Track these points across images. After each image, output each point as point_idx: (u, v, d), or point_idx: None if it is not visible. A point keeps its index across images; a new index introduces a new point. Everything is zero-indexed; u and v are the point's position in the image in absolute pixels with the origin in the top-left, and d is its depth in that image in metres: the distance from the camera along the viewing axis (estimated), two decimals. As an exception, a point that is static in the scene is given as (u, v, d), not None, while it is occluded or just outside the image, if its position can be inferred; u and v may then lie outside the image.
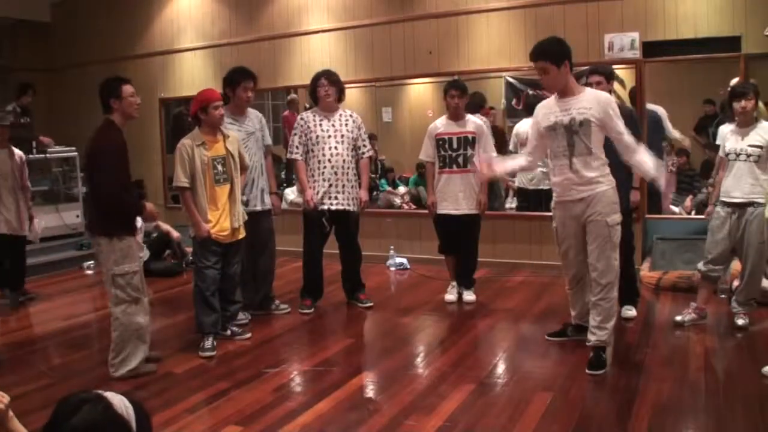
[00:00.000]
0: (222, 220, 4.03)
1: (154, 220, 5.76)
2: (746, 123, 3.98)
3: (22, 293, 5.69)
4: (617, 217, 3.47)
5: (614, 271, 3.47)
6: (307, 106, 7.08)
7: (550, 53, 3.35)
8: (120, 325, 3.60)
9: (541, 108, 3.58)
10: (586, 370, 3.44)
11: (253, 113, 4.70)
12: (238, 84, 4.49)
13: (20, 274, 5.68)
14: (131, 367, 3.62)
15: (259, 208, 4.61)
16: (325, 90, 4.70)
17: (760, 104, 4.28)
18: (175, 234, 6.49)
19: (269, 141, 4.79)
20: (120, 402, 1.34)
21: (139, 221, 6.31)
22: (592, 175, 3.41)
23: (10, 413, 1.50)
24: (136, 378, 3.59)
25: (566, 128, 3.40)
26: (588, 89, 3.51)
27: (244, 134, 4.54)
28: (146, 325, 3.69)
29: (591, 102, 3.38)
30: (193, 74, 7.70)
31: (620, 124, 3.38)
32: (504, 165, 3.94)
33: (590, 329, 3.54)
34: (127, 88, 3.65)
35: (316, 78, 4.76)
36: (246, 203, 4.47)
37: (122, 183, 3.63)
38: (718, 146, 4.24)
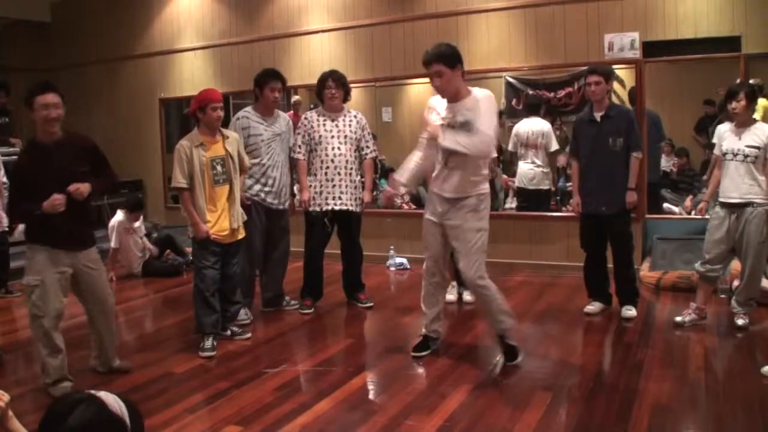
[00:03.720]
0: (221, 220, 4.03)
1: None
2: (743, 123, 3.98)
3: (6, 289, 5.81)
4: (481, 224, 3.56)
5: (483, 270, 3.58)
6: (312, 106, 7.11)
7: (444, 56, 3.40)
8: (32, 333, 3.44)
9: (437, 104, 3.59)
10: (507, 363, 3.61)
11: (282, 115, 4.78)
12: (265, 84, 4.57)
13: (4, 269, 5.80)
14: (44, 381, 3.40)
15: (275, 206, 4.67)
16: (331, 92, 4.70)
17: (763, 101, 4.29)
18: (154, 252, 6.49)
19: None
20: (114, 401, 1.34)
21: (137, 221, 6.38)
22: (468, 177, 3.51)
23: (10, 413, 1.50)
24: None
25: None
26: (475, 91, 3.51)
27: (271, 134, 4.62)
28: (46, 348, 3.35)
29: (473, 103, 3.44)
30: (193, 74, 7.70)
31: (484, 120, 3.39)
32: (405, 173, 3.78)
33: (495, 322, 3.67)
34: (40, 99, 3.25)
35: (323, 79, 4.76)
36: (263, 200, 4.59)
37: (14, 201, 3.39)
38: (713, 145, 4.25)
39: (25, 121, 7.70)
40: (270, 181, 4.61)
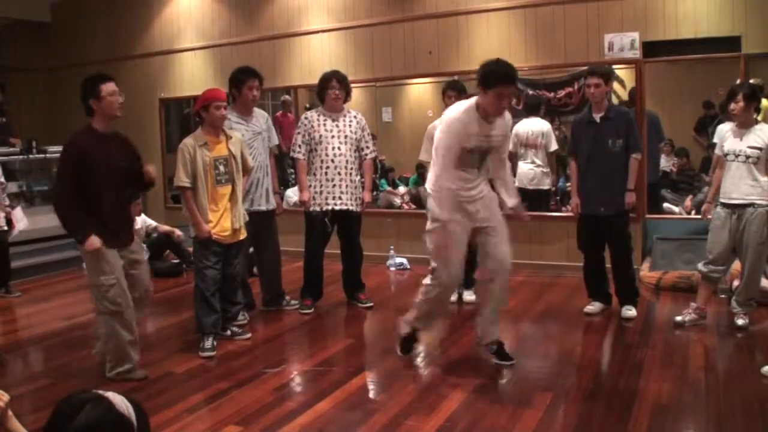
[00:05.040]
0: (223, 220, 4.03)
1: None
2: (744, 124, 3.97)
3: (9, 292, 5.82)
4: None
5: None
6: (308, 106, 7.11)
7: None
8: (104, 330, 3.55)
9: (463, 123, 3.39)
10: (500, 362, 3.60)
11: (259, 113, 4.73)
12: (242, 83, 4.51)
13: (5, 271, 5.83)
14: (119, 370, 3.55)
15: (263, 207, 4.64)
16: (335, 93, 4.69)
17: (765, 102, 4.28)
18: (177, 233, 6.50)
19: (276, 141, 4.83)
20: (121, 401, 1.34)
21: (138, 222, 6.38)
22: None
23: (9, 412, 1.50)
24: (126, 382, 3.50)
25: (481, 152, 3.48)
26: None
27: (251, 134, 4.57)
28: (128, 338, 3.53)
29: (501, 127, 3.49)
30: (193, 74, 7.70)
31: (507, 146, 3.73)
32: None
33: (492, 327, 3.63)
34: (108, 86, 3.41)
35: (326, 79, 4.74)
36: (251, 202, 4.54)
37: (68, 192, 3.36)
38: (715, 144, 4.25)
39: (25, 122, 7.71)
40: (254, 183, 4.57)
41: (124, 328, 3.52)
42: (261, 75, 4.63)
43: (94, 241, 3.38)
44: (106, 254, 3.45)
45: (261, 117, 4.71)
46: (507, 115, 3.55)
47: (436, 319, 3.87)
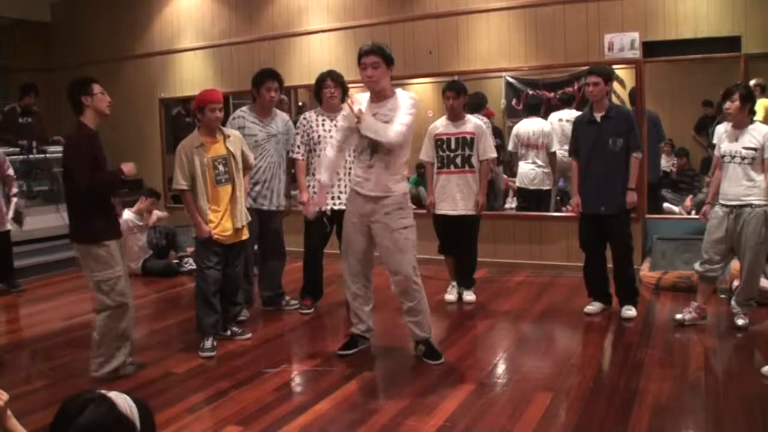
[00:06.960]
0: (224, 220, 4.03)
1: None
2: (739, 124, 3.97)
3: (14, 286, 5.87)
4: (408, 222, 3.64)
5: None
6: (300, 104, 7.11)
7: (384, 51, 3.52)
8: (103, 328, 3.55)
9: (363, 100, 3.63)
10: (430, 362, 3.64)
11: (280, 116, 4.78)
12: (261, 84, 4.58)
13: (8, 268, 5.88)
14: (111, 368, 3.56)
15: (265, 207, 4.66)
16: (330, 92, 4.70)
17: (764, 101, 4.27)
18: (153, 218, 6.62)
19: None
20: (124, 402, 1.35)
21: (153, 213, 6.42)
22: (390, 176, 3.58)
23: (9, 412, 1.50)
24: (118, 379, 3.53)
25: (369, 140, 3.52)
26: (399, 92, 3.60)
27: (265, 135, 4.63)
28: (129, 329, 3.63)
29: (394, 103, 3.54)
30: (192, 74, 7.70)
31: (402, 116, 3.51)
32: (326, 174, 3.79)
33: (414, 327, 3.69)
34: (98, 86, 3.59)
35: (321, 79, 4.76)
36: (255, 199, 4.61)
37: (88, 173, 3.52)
38: (715, 145, 4.25)
39: (46, 123, 7.73)
40: (261, 182, 4.60)
41: (127, 320, 3.60)
42: (281, 77, 4.70)
43: (130, 166, 3.63)
44: (110, 248, 3.53)
45: (281, 120, 4.76)
46: (398, 95, 3.59)
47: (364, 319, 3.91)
